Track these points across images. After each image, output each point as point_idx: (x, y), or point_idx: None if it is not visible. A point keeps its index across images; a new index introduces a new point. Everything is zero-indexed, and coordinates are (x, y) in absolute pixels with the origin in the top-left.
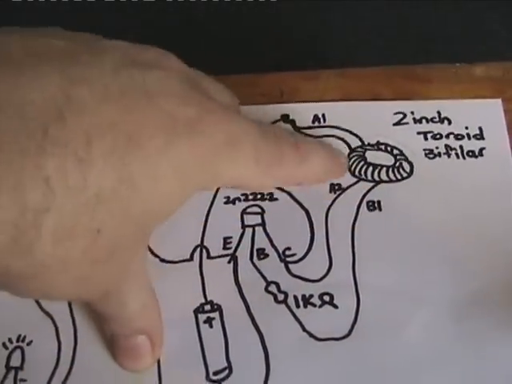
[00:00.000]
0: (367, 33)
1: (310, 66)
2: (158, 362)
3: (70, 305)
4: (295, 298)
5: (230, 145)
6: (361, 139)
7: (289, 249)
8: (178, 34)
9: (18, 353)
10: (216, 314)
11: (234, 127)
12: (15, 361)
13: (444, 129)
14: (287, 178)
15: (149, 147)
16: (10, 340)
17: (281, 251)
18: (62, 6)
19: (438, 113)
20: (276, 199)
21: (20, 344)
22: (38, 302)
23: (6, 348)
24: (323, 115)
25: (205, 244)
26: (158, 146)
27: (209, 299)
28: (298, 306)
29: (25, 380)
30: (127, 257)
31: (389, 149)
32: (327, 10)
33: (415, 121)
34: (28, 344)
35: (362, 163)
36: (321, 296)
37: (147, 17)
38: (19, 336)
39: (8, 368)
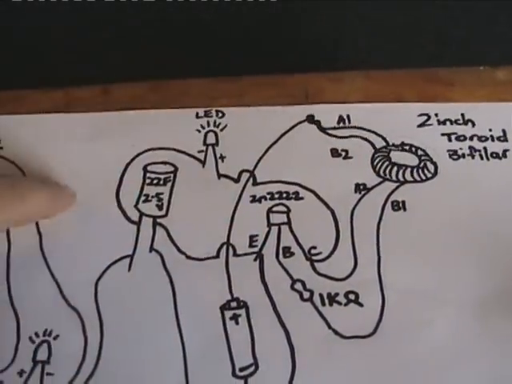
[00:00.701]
0: (380, 35)
1: (327, 67)
2: (185, 356)
3: (96, 300)
4: (321, 296)
5: None
6: (385, 140)
7: (314, 247)
8: (188, 35)
9: (44, 347)
10: (242, 311)
11: None
12: (42, 355)
13: (468, 131)
14: (5, 220)
15: None
16: (36, 334)
17: (306, 250)
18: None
19: (462, 115)
20: (302, 198)
21: (47, 338)
22: (64, 297)
23: (33, 342)
24: (348, 116)
25: (231, 242)
26: None
27: (235, 296)
28: (323, 304)
29: (52, 374)
30: None
31: (413, 149)
32: (341, 13)
33: (439, 122)
34: (55, 338)
35: (387, 163)
36: (346, 294)
37: (165, 17)
38: (45, 330)
39: (35, 362)
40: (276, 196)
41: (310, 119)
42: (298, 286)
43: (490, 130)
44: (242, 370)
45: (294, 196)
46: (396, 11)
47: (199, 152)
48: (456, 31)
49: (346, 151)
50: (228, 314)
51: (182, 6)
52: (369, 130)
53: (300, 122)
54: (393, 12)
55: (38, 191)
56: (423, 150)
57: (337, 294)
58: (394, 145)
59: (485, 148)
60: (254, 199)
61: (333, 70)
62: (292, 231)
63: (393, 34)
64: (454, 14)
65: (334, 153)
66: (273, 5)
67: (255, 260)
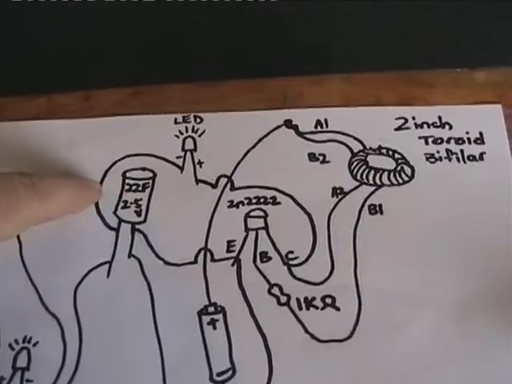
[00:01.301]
0: (369, 37)
1: (312, 70)
2: (162, 362)
3: (75, 307)
4: (298, 300)
5: None
6: (363, 144)
7: (291, 252)
8: (178, 37)
9: (24, 354)
10: (220, 316)
11: None
12: (21, 361)
13: (445, 133)
14: (30, 218)
15: None
16: (16, 341)
17: (283, 254)
18: (62, 6)
19: (439, 118)
20: (279, 203)
21: (26, 345)
22: (44, 304)
23: (13, 349)
24: (325, 120)
25: (209, 247)
26: None
27: (213, 301)
28: (300, 308)
29: (31, 381)
30: None
31: (390, 153)
32: (330, 14)
33: (416, 126)
34: (34, 345)
35: (364, 167)
36: (323, 298)
37: (147, 17)
38: (25, 337)
39: (15, 368)
40: (253, 201)
41: (288, 124)
42: (275, 290)
43: (467, 133)
44: (219, 374)
45: (271, 201)
46: (385, 15)
47: (177, 158)
48: (444, 33)
49: (324, 155)
50: (206, 318)
51: (163, 11)
52: (346, 134)
53: (278, 127)
54: (383, 14)
55: (60, 189)
56: (400, 154)
57: (314, 299)
58: (371, 148)
59: (462, 151)
60: (231, 204)
61: (322, 71)
62: (269, 236)
63: (381, 36)
64: (441, 16)
65: (312, 157)
66: (263, 6)
67: (233, 265)
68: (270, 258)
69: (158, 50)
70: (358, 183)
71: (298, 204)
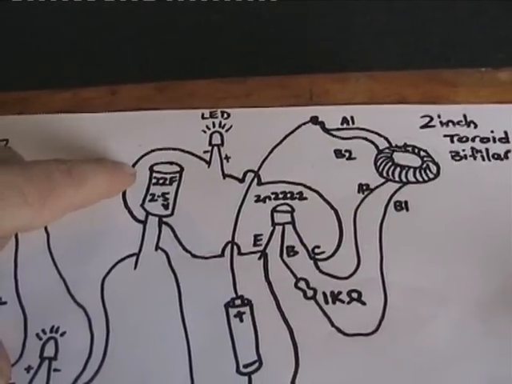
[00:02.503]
0: (384, 37)
1: (333, 68)
2: (189, 353)
3: (102, 298)
4: (324, 294)
5: None
6: (388, 141)
7: (318, 247)
8: (202, 35)
9: (51, 343)
10: (246, 309)
11: None
12: (49, 351)
13: (470, 132)
14: (67, 204)
15: None
16: (43, 331)
17: (310, 249)
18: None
19: (464, 116)
20: (305, 198)
21: (54, 335)
22: (71, 295)
23: (40, 339)
24: (352, 117)
25: (236, 241)
26: None
27: (239, 294)
28: (326, 302)
29: (59, 370)
30: None
31: (416, 150)
32: (345, 15)
33: (442, 124)
34: (61, 335)
35: (390, 164)
36: (349, 293)
37: (170, 15)
38: (52, 327)
39: (42, 358)
40: (280, 196)
41: (314, 120)
42: (302, 284)
43: (492, 132)
44: (246, 366)
45: (298, 196)
46: (403, 13)
47: (205, 152)
48: (461, 33)
49: (350, 152)
50: (232, 311)
51: (190, 8)
52: (372, 131)
53: (304, 123)
54: (398, 14)
55: (95, 174)
56: (426, 151)
57: (340, 293)
58: (396, 146)
59: (487, 149)
60: (258, 199)
61: (338, 70)
62: (296, 230)
63: (398, 35)
64: (458, 17)
65: (338, 153)
66: (279, 6)
67: (259, 259)
68: (296, 253)
69: (181, 46)
70: (383, 180)
71: (325, 199)
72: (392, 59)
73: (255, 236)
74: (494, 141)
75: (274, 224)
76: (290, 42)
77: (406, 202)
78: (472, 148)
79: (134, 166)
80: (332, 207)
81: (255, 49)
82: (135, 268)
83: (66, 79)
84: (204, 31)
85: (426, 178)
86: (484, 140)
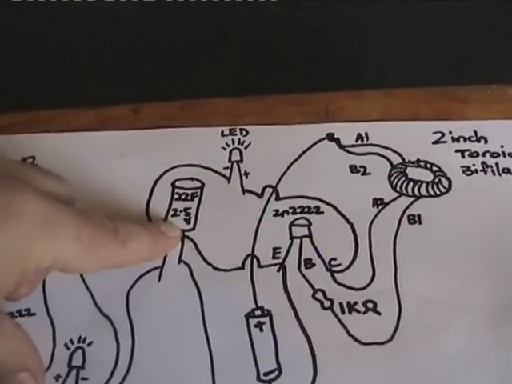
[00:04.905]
0: (397, 51)
1: (341, 83)
2: (212, 362)
3: (127, 309)
4: (341, 304)
5: (50, 223)
6: (402, 156)
7: (334, 259)
8: (219, 54)
9: (79, 353)
10: (266, 319)
11: (52, 208)
12: (77, 360)
13: (481, 147)
14: (109, 259)
15: None
16: (71, 341)
17: (327, 261)
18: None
19: (475, 132)
20: (322, 212)
21: (81, 345)
22: (98, 306)
23: (68, 348)
24: (366, 134)
25: (255, 254)
26: None
27: (259, 305)
28: (343, 312)
29: (86, 378)
30: None
31: (428, 166)
32: (359, 28)
33: (453, 140)
34: (89, 345)
35: (403, 179)
36: (365, 303)
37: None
38: (80, 337)
39: (70, 367)
40: (298, 210)
41: (330, 137)
42: (319, 295)
43: (502, 147)
44: (266, 374)
45: (314, 210)
46: (416, 27)
47: (225, 168)
48: (473, 47)
49: (365, 167)
50: (253, 321)
51: (210, 28)
52: (386, 147)
53: (320, 140)
54: (412, 27)
55: (139, 238)
56: (438, 166)
57: (356, 303)
58: (410, 161)
59: (497, 164)
60: (276, 213)
61: (353, 85)
62: (313, 244)
63: (412, 49)
64: (471, 30)
65: (353, 169)
66: (297, 23)
67: (278, 271)
68: (313, 265)
69: (202, 64)
70: (397, 194)
71: (341, 213)
72: (405, 71)
73: (274, 249)
74: (504, 155)
75: (292, 237)
76: (304, 56)
77: (419, 216)
78: (482, 163)
79: (156, 182)
80: (348, 221)
81: (272, 62)
82: (159, 280)
83: (89, 97)
84: (223, 49)
85: (438, 192)
86: (494, 155)
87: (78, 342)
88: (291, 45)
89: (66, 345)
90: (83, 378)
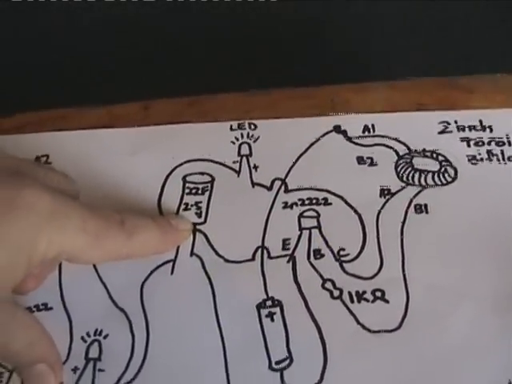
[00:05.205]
0: (407, 41)
1: (353, 75)
2: (225, 352)
3: (142, 302)
4: (349, 294)
5: (56, 215)
6: (408, 147)
7: (343, 249)
8: (226, 49)
9: (95, 345)
10: (277, 309)
11: (58, 201)
12: (93, 352)
13: (486, 136)
14: (115, 250)
15: None
16: (87, 334)
17: (335, 251)
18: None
19: (480, 121)
20: (330, 204)
21: (97, 337)
22: (113, 300)
23: (85, 341)
24: (373, 125)
25: (265, 245)
26: None
27: (270, 295)
28: (352, 301)
29: (103, 370)
30: None
31: (434, 155)
32: (368, 20)
33: (458, 129)
34: (105, 337)
35: (410, 169)
36: (373, 292)
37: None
38: (96, 330)
39: (87, 359)
40: (306, 202)
41: (337, 129)
42: (329, 285)
43: (507, 135)
44: (277, 363)
45: (323, 202)
46: (421, 17)
47: (234, 162)
48: (483, 38)
49: (371, 158)
50: (264, 312)
51: (214, 27)
52: (392, 138)
53: (328, 132)
54: (417, 18)
55: (146, 230)
56: (443, 156)
57: (364, 292)
58: (416, 151)
59: (502, 152)
60: (286, 205)
61: (359, 78)
62: (322, 234)
63: (420, 40)
64: (482, 22)
65: (360, 160)
66: (297, 12)
67: (288, 262)
68: (322, 255)
69: (208, 60)
70: (404, 184)
71: (349, 204)
72: (417, 63)
73: (284, 240)
74: (510, 144)
75: (301, 229)
76: (310, 48)
77: (425, 205)
78: (488, 151)
79: (167, 177)
80: (355, 211)
81: (278, 56)
82: (172, 273)
83: (99, 95)
84: (227, 46)
85: (444, 182)
86: (499, 143)
87: (95, 334)
88: (295, 36)
89: (82, 338)
90: (100, 370)
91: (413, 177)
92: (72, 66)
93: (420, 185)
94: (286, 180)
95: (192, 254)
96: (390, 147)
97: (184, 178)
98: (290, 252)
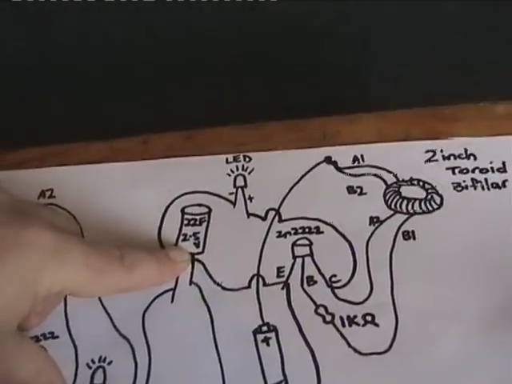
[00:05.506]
0: (403, 63)
1: (347, 97)
2: (223, 376)
3: (143, 329)
4: (341, 318)
5: (59, 251)
6: (396, 176)
7: (334, 276)
8: (214, 85)
9: (100, 372)
10: (272, 334)
11: (61, 239)
12: (98, 379)
13: (470, 164)
14: (115, 284)
15: None
16: (92, 361)
17: (327, 278)
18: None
19: (465, 150)
20: (322, 232)
21: (102, 364)
22: (116, 328)
23: (90, 368)
24: (362, 156)
25: (261, 273)
26: None
27: (266, 321)
28: (343, 325)
29: None
30: None
31: (421, 184)
32: (364, 40)
33: (444, 158)
34: (109, 364)
35: (398, 197)
36: (364, 316)
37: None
38: (100, 357)
39: None
40: (299, 231)
41: (328, 160)
42: (321, 310)
43: (491, 163)
44: None
45: (315, 230)
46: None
47: (230, 194)
48: (479, 59)
49: (361, 188)
50: (260, 337)
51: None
52: (381, 168)
53: (319, 163)
54: (415, 39)
55: (144, 263)
56: (430, 184)
57: (355, 316)
58: (403, 180)
59: (486, 179)
60: (279, 234)
61: (357, 103)
62: (314, 262)
63: (415, 61)
64: (477, 41)
65: (350, 190)
66: (297, 28)
67: (282, 289)
68: (315, 282)
69: (201, 95)
70: (392, 212)
71: (340, 233)
72: (409, 83)
73: (278, 268)
74: (493, 171)
75: (294, 257)
76: (307, 67)
77: (413, 232)
78: (472, 179)
79: (166, 209)
80: (346, 239)
81: (276, 80)
82: (172, 301)
83: (103, 130)
84: (221, 80)
85: (430, 209)
86: (483, 171)
87: (99, 361)
88: (292, 55)
89: (87, 364)
90: None
91: (400, 204)
92: (75, 102)
93: (408, 212)
94: (280, 210)
95: (191, 282)
96: (379, 176)
97: (182, 209)
98: (284, 279)
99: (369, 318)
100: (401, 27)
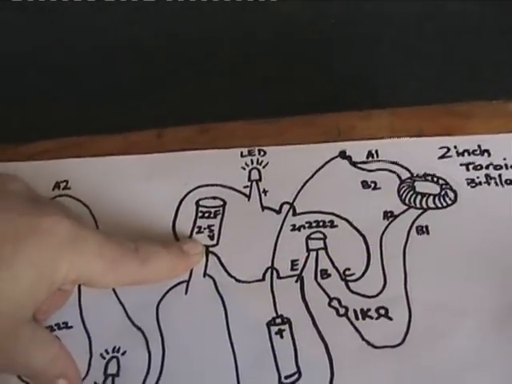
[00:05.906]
0: (411, 63)
1: (357, 96)
2: (237, 367)
3: (157, 320)
4: (355, 311)
5: (75, 240)
6: (410, 171)
7: (348, 269)
8: (230, 81)
9: (114, 362)
10: (286, 327)
11: (77, 228)
12: (112, 369)
13: (484, 160)
14: (129, 276)
15: (2, 253)
16: (106, 351)
17: (341, 271)
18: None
19: (479, 146)
20: (336, 226)
21: (116, 354)
22: (130, 319)
23: (104, 358)
24: (376, 151)
25: (275, 266)
26: (9, 251)
27: (279, 314)
28: (357, 318)
29: None
30: (10, 342)
31: (435, 179)
32: (373, 43)
33: (458, 154)
34: (122, 354)
35: (412, 192)
36: (377, 309)
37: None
38: (114, 347)
39: (106, 375)
40: (313, 225)
41: (342, 155)
42: (335, 303)
43: (505, 159)
44: (287, 377)
45: (329, 224)
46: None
47: (245, 187)
48: (487, 60)
49: (375, 183)
50: (274, 329)
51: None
52: (395, 163)
53: (333, 158)
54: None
55: (159, 256)
56: (444, 180)
57: (369, 310)
58: (417, 175)
59: (499, 175)
60: (294, 228)
61: (367, 103)
62: (328, 255)
63: (424, 62)
64: (484, 43)
65: (364, 184)
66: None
67: (296, 281)
68: (329, 275)
69: (218, 90)
70: (406, 207)
71: (353, 226)
72: (419, 84)
73: (292, 261)
74: (507, 167)
75: (308, 250)
76: (317, 69)
77: (426, 227)
78: (486, 175)
79: (181, 202)
80: (360, 233)
81: (288, 80)
82: (186, 293)
83: (118, 124)
84: (237, 75)
85: (444, 204)
86: (497, 167)
87: (113, 351)
88: (304, 57)
89: (101, 354)
90: None
91: (415, 200)
92: (92, 97)
93: (421, 207)
94: (294, 204)
95: (205, 274)
96: (393, 172)
97: (197, 202)
98: (298, 272)
99: (382, 312)
100: (412, 27)
